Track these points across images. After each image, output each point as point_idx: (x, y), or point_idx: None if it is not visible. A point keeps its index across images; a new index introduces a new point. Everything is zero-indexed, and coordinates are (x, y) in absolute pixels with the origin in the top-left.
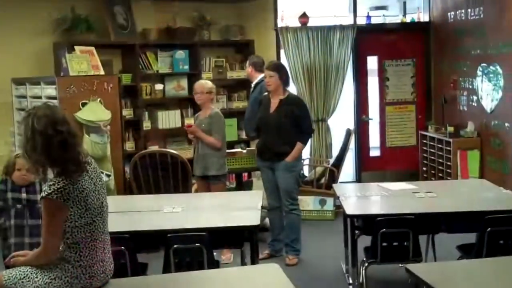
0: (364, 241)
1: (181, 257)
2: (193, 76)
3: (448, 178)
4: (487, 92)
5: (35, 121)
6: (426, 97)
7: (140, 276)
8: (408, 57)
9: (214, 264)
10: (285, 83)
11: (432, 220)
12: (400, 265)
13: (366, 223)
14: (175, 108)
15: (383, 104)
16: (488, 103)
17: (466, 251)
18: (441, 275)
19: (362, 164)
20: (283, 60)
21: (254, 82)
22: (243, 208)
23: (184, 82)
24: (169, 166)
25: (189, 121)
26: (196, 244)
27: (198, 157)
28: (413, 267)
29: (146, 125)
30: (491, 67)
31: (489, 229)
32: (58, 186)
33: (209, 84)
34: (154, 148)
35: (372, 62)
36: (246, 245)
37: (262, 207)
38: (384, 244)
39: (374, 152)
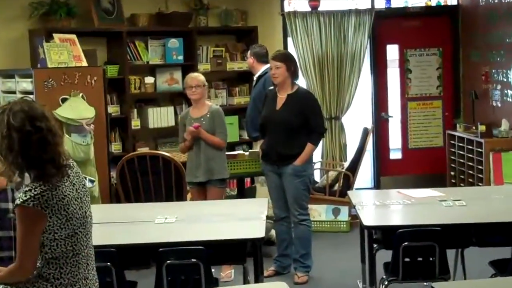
0: (384, 256)
1: (175, 275)
2: (188, 67)
3: (480, 184)
4: None
5: (10, 117)
6: (454, 91)
7: None
8: (434, 45)
9: (213, 282)
10: (294, 75)
11: (462, 232)
12: (425, 283)
13: (386, 235)
14: (168, 104)
15: (405, 99)
16: None
17: (500, 268)
18: None
19: (381, 168)
20: (291, 50)
21: (257, 75)
22: (245, 218)
23: (178, 75)
24: (161, 171)
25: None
26: (192, 260)
27: (198, 160)
28: (440, 285)
29: (135, 123)
30: None
31: None
32: (36, 192)
33: (202, 76)
34: (143, 150)
35: (392, 51)
36: (249, 261)
37: (268, 217)
38: (407, 259)
39: (395, 155)
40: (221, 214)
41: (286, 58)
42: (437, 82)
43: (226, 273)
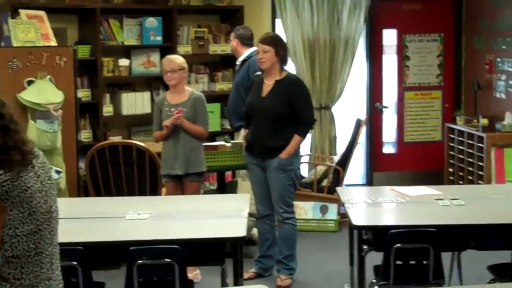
0: (375, 258)
1: (147, 276)
2: (167, 49)
3: (480, 182)
4: None
5: None
6: (455, 81)
7: None
8: (434, 31)
9: (188, 284)
10: (283, 60)
11: (459, 234)
12: None
13: (377, 236)
14: (144, 89)
15: (402, 89)
16: None
17: (500, 273)
18: None
19: (374, 163)
20: (279, 32)
21: (241, 59)
22: (225, 215)
23: (155, 57)
24: (134, 162)
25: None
26: (166, 260)
27: (176, 151)
28: None
29: (107, 110)
30: None
31: None
32: None
33: (181, 58)
34: (116, 139)
35: (389, 36)
36: (228, 262)
37: (250, 215)
38: (399, 262)
39: (389, 149)
40: (199, 211)
41: (275, 42)
42: (437, 70)
43: (192, 274)
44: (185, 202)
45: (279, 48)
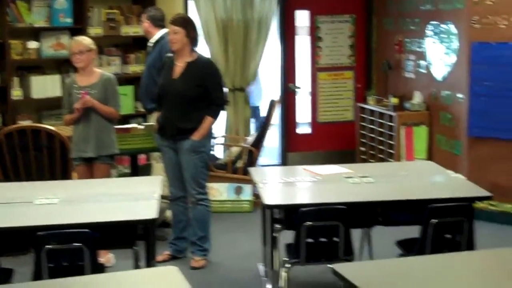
0: (288, 237)
1: (56, 261)
2: (78, 31)
3: (391, 159)
4: (438, 56)
5: None
6: (367, 62)
7: (4, 286)
8: (346, 12)
9: (98, 268)
10: (193, 42)
11: (367, 211)
12: (329, 265)
13: (288, 215)
14: (54, 72)
15: (315, 69)
16: (439, 70)
17: (408, 248)
18: (374, 276)
19: (288, 144)
20: (193, 14)
21: (153, 40)
22: (137, 198)
23: (65, 40)
24: (44, 146)
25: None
26: (75, 244)
27: (87, 133)
28: (341, 267)
29: (16, 93)
30: (443, 25)
31: (434, 220)
32: None
33: (88, 40)
34: (25, 123)
35: (302, 17)
36: (141, 245)
37: (163, 197)
38: (310, 240)
39: (303, 129)
40: (110, 194)
41: (185, 23)
42: (349, 51)
43: (105, 258)
44: (96, 186)
45: (190, 29)
